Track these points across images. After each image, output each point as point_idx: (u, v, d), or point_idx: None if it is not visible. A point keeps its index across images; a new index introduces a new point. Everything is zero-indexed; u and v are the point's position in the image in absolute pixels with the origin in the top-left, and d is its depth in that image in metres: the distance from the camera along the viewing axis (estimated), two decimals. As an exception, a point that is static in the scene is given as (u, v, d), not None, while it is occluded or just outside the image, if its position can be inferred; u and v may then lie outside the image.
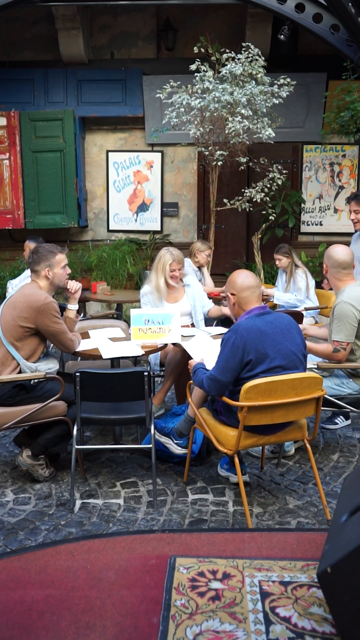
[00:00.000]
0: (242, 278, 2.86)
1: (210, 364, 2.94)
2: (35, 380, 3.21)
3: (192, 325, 4.19)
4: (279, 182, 6.24)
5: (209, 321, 5.02)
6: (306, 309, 5.01)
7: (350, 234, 7.72)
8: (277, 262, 5.36)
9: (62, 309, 3.45)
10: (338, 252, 3.42)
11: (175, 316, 3.57)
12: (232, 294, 2.88)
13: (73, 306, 3.49)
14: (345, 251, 3.42)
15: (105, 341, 3.57)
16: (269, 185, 6.29)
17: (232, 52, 5.72)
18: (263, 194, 6.23)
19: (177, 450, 3.33)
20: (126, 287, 7.45)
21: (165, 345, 3.62)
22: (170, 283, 4.07)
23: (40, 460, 3.31)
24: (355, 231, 4.45)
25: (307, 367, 2.96)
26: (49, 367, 3.31)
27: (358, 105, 6.02)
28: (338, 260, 3.40)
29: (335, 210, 7.80)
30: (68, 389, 3.21)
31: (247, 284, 2.84)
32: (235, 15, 7.41)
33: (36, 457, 3.29)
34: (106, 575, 2.37)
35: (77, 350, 3.37)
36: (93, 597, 2.23)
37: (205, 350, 3.28)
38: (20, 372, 3.22)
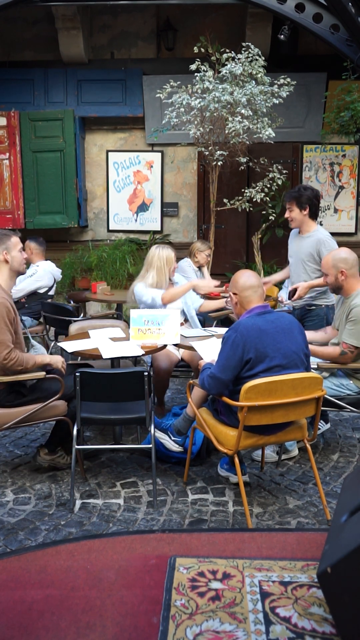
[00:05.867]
0: (245, 278, 2.88)
1: None
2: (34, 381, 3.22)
3: (186, 320, 4.21)
4: (279, 182, 6.23)
5: (209, 321, 5.01)
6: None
7: (349, 234, 7.82)
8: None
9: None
10: (349, 252, 3.41)
11: (174, 317, 3.58)
12: (234, 294, 2.90)
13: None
14: (350, 251, 3.43)
15: (105, 341, 3.57)
16: (269, 185, 6.28)
17: (232, 52, 5.71)
18: (263, 194, 6.22)
19: (173, 447, 3.37)
20: (126, 287, 7.42)
21: (165, 345, 3.62)
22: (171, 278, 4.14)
23: (58, 453, 3.42)
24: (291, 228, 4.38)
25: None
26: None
27: (358, 105, 6.02)
28: (354, 261, 3.36)
29: (336, 210, 7.80)
30: (67, 381, 3.21)
31: (249, 284, 2.86)
32: (235, 15, 7.41)
33: (54, 452, 3.40)
34: (106, 575, 2.37)
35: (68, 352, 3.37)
36: (93, 597, 2.23)
37: (216, 351, 3.28)
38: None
